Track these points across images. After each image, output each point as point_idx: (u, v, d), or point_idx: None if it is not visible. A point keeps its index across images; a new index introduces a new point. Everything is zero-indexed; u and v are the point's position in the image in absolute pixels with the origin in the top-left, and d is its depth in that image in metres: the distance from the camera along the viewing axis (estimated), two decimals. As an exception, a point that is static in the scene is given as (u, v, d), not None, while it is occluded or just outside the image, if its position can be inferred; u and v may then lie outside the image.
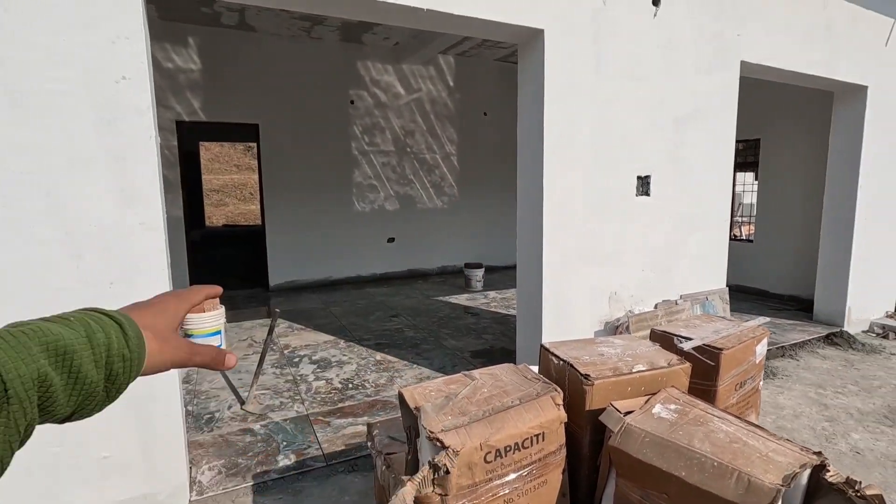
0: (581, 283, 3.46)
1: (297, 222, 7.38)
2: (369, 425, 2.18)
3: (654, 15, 3.50)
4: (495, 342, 4.90)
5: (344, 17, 2.86)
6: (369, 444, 2.14)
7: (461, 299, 6.79)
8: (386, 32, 6.95)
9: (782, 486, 1.17)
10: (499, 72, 8.53)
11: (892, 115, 5.17)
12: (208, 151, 18.46)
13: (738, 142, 7.16)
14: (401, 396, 1.69)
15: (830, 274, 5.31)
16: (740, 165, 7.64)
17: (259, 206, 7.59)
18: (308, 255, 7.51)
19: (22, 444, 0.39)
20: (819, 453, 1.32)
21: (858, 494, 1.21)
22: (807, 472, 1.29)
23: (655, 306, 3.79)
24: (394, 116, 8.00)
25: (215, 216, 16.30)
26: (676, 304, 3.83)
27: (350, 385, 3.86)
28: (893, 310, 5.71)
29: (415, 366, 4.26)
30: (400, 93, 7.98)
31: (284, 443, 2.98)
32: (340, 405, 3.51)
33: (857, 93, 4.95)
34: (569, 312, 3.44)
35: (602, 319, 3.60)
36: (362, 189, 7.89)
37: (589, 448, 1.66)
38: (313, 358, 4.46)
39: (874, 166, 5.09)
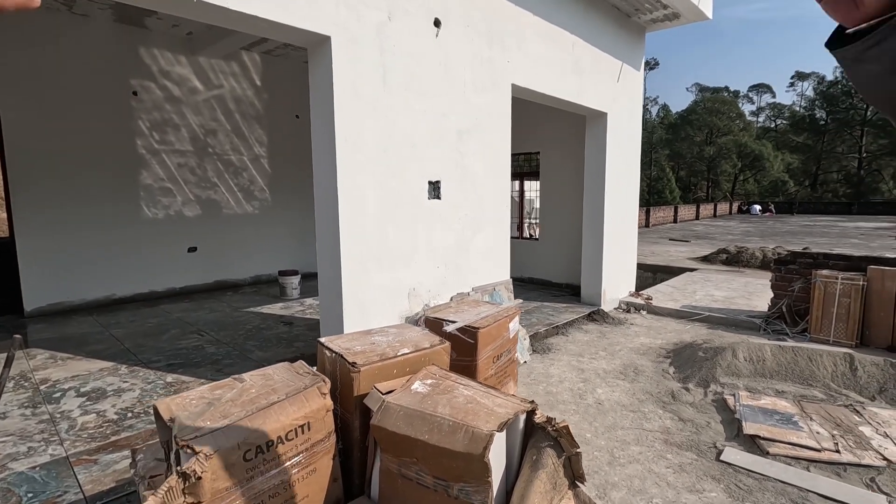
0: (380, 283, 3.62)
1: (64, 232, 6.16)
2: (133, 450, 1.96)
3: (436, 35, 3.87)
4: (307, 349, 4.81)
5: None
6: (132, 471, 1.93)
7: (275, 308, 6.48)
8: (174, 19, 6.27)
9: (496, 430, 1.43)
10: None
11: (623, 135, 6.59)
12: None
13: (522, 154, 8.35)
14: (155, 410, 1.57)
15: (590, 264, 6.52)
16: (531, 174, 8.88)
17: (6, 214, 6.10)
18: (81, 270, 6.32)
19: None
20: (532, 402, 1.65)
21: (553, 427, 1.55)
22: (522, 417, 1.60)
23: (451, 299, 4.17)
24: (191, 113, 7.25)
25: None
26: (468, 295, 4.28)
27: (129, 414, 3.38)
28: (634, 290, 7.26)
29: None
30: (197, 87, 7.26)
31: (30, 494, 2.48)
32: (114, 438, 3.05)
33: (601, 117, 6.18)
34: (370, 311, 3.58)
35: (402, 315, 3.83)
36: (153, 192, 6.96)
37: (360, 431, 1.77)
38: (82, 390, 3.78)
39: (615, 177, 6.42)
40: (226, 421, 1.48)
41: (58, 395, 3.69)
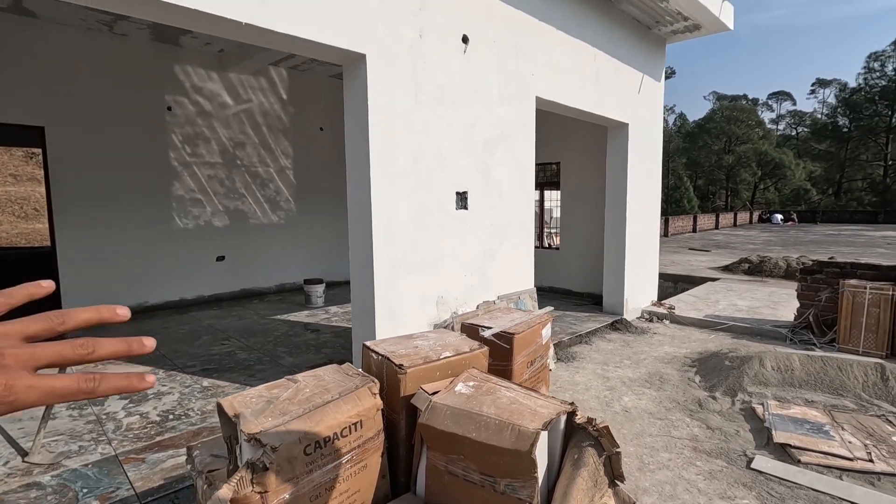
0: (410, 290, 3.73)
1: (101, 242, 6.41)
2: (189, 447, 2.08)
3: (465, 51, 4.00)
4: (335, 355, 4.92)
5: (152, 20, 2.69)
6: (189, 466, 2.04)
7: (301, 316, 6.63)
8: (207, 38, 6.54)
9: (542, 429, 1.51)
10: (334, 87, 8.61)
11: (644, 145, 6.63)
12: (-30, 157, 14.82)
13: (542, 164, 8.43)
14: (219, 407, 1.68)
15: (612, 274, 6.54)
16: (550, 184, 8.95)
17: (48, 225, 6.38)
18: (116, 278, 6.55)
19: None
20: (572, 403, 1.72)
21: (594, 427, 1.62)
22: (563, 418, 1.68)
23: (477, 307, 4.25)
24: (220, 126, 7.51)
25: (-18, 238, 13.11)
26: (494, 303, 4.35)
27: (171, 416, 3.52)
28: (656, 299, 7.25)
29: (247, 388, 4.03)
30: (227, 102, 7.53)
31: (85, 489, 2.61)
32: (158, 439, 3.19)
33: (622, 128, 6.24)
34: (400, 318, 3.68)
35: (431, 322, 3.92)
36: (184, 203, 7.21)
37: (406, 430, 1.86)
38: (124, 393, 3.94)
39: (636, 187, 6.46)
40: (286, 417, 1.59)
41: (101, 398, 3.85)
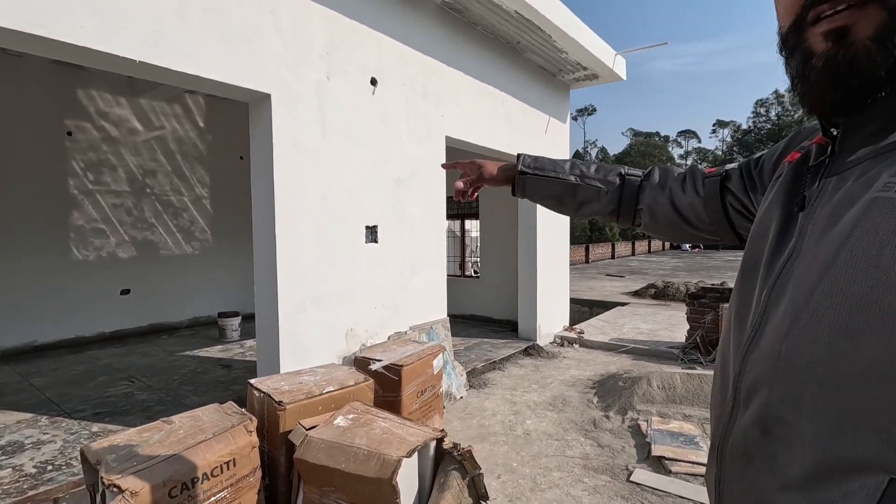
0: (317, 323, 3.75)
1: (-18, 276, 5.85)
2: (55, 499, 1.98)
3: (373, 93, 4.20)
4: (245, 392, 4.77)
5: (45, 56, 2.63)
6: (53, 520, 1.94)
7: (213, 351, 6.36)
8: (116, 63, 6.31)
9: (405, 456, 1.62)
10: (255, 118, 8.52)
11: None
12: None
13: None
14: (82, 454, 1.65)
15: (526, 301, 6.89)
16: (471, 214, 9.31)
17: (-84, 257, 5.72)
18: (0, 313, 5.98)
19: None
20: (442, 430, 1.86)
21: (458, 452, 1.76)
22: (433, 445, 1.80)
23: (388, 338, 4.34)
24: (129, 153, 7.18)
25: None
26: (406, 334, 4.46)
27: (50, 467, 3.26)
28: (568, 324, 7.68)
29: (143, 430, 3.84)
30: (137, 128, 7.24)
31: (-66, 556, 2.37)
32: (32, 493, 2.93)
33: (531, 165, 6.68)
34: (307, 351, 3.68)
35: (341, 354, 3.95)
36: (84, 234, 6.76)
37: (285, 466, 1.90)
38: (-4, 444, 3.59)
39: (545, 219, 6.91)
40: (152, 461, 1.59)
41: (-32, 450, 3.49)
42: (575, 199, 1.10)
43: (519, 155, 1.15)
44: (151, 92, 7.04)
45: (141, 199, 7.34)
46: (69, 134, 6.55)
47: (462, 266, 9.41)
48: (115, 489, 1.46)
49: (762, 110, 47.55)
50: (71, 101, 6.54)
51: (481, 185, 1.21)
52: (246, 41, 3.22)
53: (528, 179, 1.12)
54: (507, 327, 7.79)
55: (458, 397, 4.51)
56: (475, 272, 9.76)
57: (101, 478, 1.51)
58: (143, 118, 7.29)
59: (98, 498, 1.57)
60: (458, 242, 9.45)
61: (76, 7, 2.46)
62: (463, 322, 8.11)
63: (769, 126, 45.85)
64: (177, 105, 7.66)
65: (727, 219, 0.92)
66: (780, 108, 46.80)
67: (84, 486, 1.81)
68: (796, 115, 45.49)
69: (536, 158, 1.14)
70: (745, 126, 49.94)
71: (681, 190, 0.98)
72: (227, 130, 8.28)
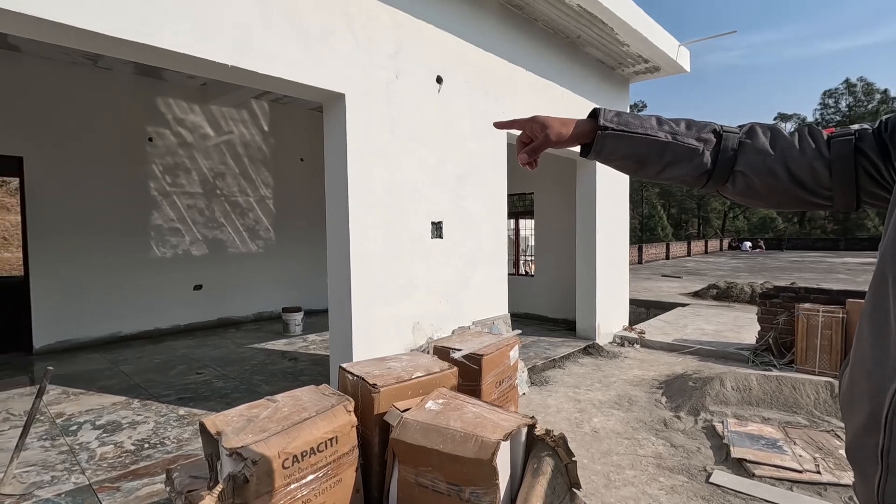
0: (387, 317, 3.86)
1: (76, 271, 6.38)
2: (168, 469, 2.14)
3: (438, 91, 4.27)
4: (312, 382, 4.95)
5: (137, 61, 2.86)
6: (168, 488, 2.11)
7: (278, 344, 6.64)
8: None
9: (502, 439, 1.65)
10: (314, 119, 8.84)
11: (612, 178, 6.99)
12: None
13: (517, 194, 8.74)
14: (202, 426, 1.78)
15: (585, 299, 6.77)
16: (526, 213, 9.26)
17: (21, 254, 6.32)
18: (89, 308, 6.50)
19: None
20: (532, 417, 1.87)
21: (552, 438, 1.77)
22: (524, 430, 1.82)
23: (452, 332, 4.39)
24: (201, 157, 7.63)
25: (-54, 268, 12.71)
26: (469, 328, 4.50)
27: (146, 445, 3.52)
28: (628, 324, 7.49)
29: (224, 415, 4.08)
30: (209, 134, 7.68)
31: (58, 519, 2.61)
32: (133, 467, 3.19)
33: (590, 163, 6.57)
34: (377, 343, 3.79)
35: (408, 347, 4.04)
36: (163, 233, 7.24)
37: (379, 446, 1.98)
38: (97, 423, 3.92)
39: (605, 215, 6.77)
40: (265, 434, 1.70)
41: (74, 427, 3.83)
42: (662, 159, 0.95)
43: (597, 109, 0.98)
44: (221, 98, 7.45)
45: (212, 200, 7.78)
46: (150, 140, 7.03)
47: (516, 264, 9.37)
48: (237, 457, 1.57)
49: (831, 101, 44.47)
50: (151, 109, 7.03)
51: (543, 150, 1.00)
52: (322, 43, 3.36)
53: (610, 137, 0.94)
54: (563, 326, 7.68)
55: (520, 393, 4.51)
56: (526, 272, 9.70)
57: (223, 446, 1.63)
58: (214, 124, 7.72)
59: (219, 465, 1.69)
60: (512, 241, 9.42)
61: (175, 16, 2.66)
62: (517, 320, 8.06)
63: (838, 118, 42.79)
64: (244, 111, 8.07)
65: (856, 183, 0.84)
66: (851, 99, 43.63)
67: (198, 459, 1.95)
68: (870, 106, 42.26)
69: (619, 113, 0.97)
70: (811, 118, 46.83)
71: (797, 151, 0.89)
72: (289, 134, 8.63)
